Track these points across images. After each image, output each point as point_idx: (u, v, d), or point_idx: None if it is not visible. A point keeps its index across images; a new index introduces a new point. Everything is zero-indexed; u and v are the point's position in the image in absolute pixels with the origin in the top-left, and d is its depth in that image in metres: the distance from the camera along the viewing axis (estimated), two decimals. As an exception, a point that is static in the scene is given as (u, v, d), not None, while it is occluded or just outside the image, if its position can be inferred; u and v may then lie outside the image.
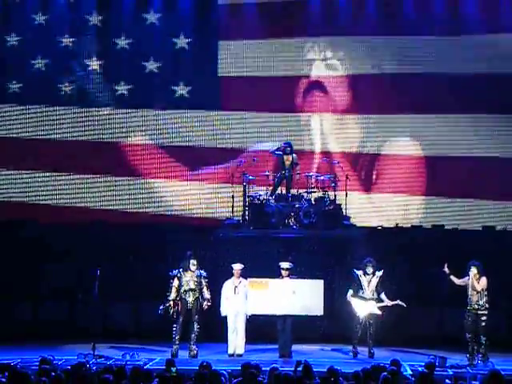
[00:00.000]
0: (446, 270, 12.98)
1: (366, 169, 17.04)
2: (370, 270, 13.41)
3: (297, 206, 15.40)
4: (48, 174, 17.13)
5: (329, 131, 17.21)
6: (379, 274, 13.43)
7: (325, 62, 17.21)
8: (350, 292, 13.45)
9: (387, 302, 13.31)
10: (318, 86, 17.24)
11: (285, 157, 15.80)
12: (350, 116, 17.13)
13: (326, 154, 17.01)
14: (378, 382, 8.62)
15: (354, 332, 13.42)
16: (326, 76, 17.25)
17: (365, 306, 13.34)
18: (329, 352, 13.96)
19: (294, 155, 15.84)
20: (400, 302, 13.26)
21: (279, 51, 17.11)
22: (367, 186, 17.02)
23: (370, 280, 13.42)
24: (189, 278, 13.33)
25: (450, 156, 16.72)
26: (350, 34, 16.99)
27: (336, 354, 13.75)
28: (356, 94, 17.07)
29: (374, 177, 17.07)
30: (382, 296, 13.37)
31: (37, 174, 17.16)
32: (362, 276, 13.45)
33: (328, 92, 17.20)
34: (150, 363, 12.23)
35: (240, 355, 13.37)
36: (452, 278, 13.00)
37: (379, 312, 13.32)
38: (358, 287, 13.43)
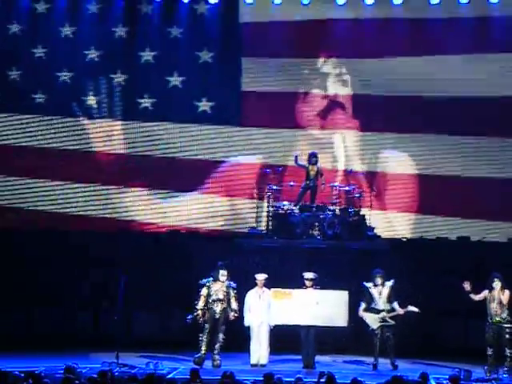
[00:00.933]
0: (467, 286, 12.88)
1: (379, 186, 16.89)
2: (378, 280, 13.39)
3: (321, 216, 15.39)
4: (75, 184, 17.19)
5: (349, 148, 17.16)
6: (389, 283, 13.40)
7: (339, 78, 17.16)
8: (363, 306, 13.41)
9: (399, 311, 13.27)
10: (336, 103, 17.21)
11: (310, 167, 15.81)
12: (367, 133, 17.04)
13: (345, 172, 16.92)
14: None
15: (373, 344, 13.36)
16: (342, 93, 17.21)
17: (376, 318, 13.28)
18: (351, 364, 13.91)
19: (318, 165, 15.85)
20: (411, 308, 13.22)
21: (300, 69, 17.10)
22: (381, 202, 16.87)
23: (380, 291, 13.38)
24: (218, 288, 13.38)
25: (452, 175, 16.57)
26: (374, 57, 16.91)
27: (358, 366, 13.70)
28: (372, 112, 16.99)
29: (386, 194, 16.94)
30: (395, 305, 13.33)
31: (66, 185, 17.21)
32: (372, 288, 13.43)
33: (345, 109, 17.16)
34: (174, 372, 12.26)
35: (263, 365, 13.36)
36: (472, 296, 12.91)
37: (392, 322, 13.25)
38: (370, 299, 13.39)
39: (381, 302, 13.37)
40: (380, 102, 16.82)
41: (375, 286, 13.43)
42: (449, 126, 16.57)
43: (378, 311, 13.35)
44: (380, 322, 13.31)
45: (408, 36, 16.82)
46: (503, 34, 16.51)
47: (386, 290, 13.38)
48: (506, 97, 16.37)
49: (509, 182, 16.35)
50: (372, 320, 13.34)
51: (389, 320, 13.28)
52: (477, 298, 12.90)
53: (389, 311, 13.32)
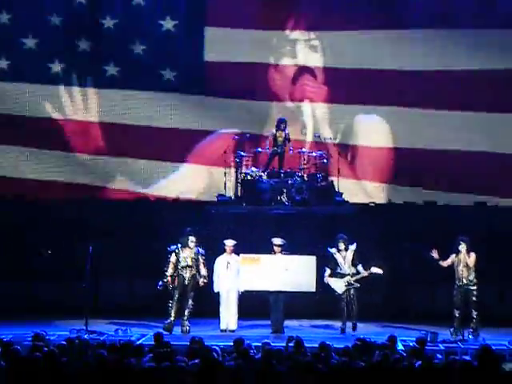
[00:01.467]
0: (435, 255, 13.02)
1: (347, 156, 16.93)
2: (341, 245, 13.52)
3: (289, 182, 15.40)
4: (36, 149, 17.03)
5: (317, 119, 17.13)
6: (352, 247, 13.52)
7: (309, 43, 17.11)
8: (328, 272, 13.50)
9: (363, 273, 13.41)
10: (304, 73, 17.16)
11: (277, 133, 15.78)
12: (334, 105, 17.03)
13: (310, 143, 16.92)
14: (369, 357, 8.71)
15: (340, 309, 13.47)
16: (310, 58, 17.16)
17: (341, 283, 13.39)
18: (320, 328, 14.03)
19: (286, 132, 15.83)
20: (375, 270, 13.37)
21: (266, 39, 17.01)
22: (352, 172, 16.93)
23: (344, 256, 13.49)
24: (187, 255, 13.39)
25: (422, 148, 16.67)
26: (341, 29, 16.87)
27: (327, 331, 13.81)
28: (341, 85, 16.98)
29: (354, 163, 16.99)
30: (359, 268, 13.48)
31: (23, 149, 17.06)
32: (337, 253, 13.54)
33: (315, 79, 17.12)
34: (143, 338, 12.28)
35: (233, 331, 13.43)
36: (440, 263, 13.06)
37: (357, 284, 13.38)
38: (335, 264, 13.49)
39: (346, 267, 13.49)
40: (348, 74, 16.80)
41: (339, 251, 13.52)
42: (419, 99, 16.63)
43: (342, 275, 13.45)
44: (346, 285, 13.43)
45: (378, 9, 16.80)
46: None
47: (349, 254, 13.51)
48: (466, 71, 16.44)
49: (475, 153, 16.43)
50: (337, 285, 13.45)
51: (353, 283, 13.40)
52: (445, 264, 13.05)
53: (353, 274, 13.44)
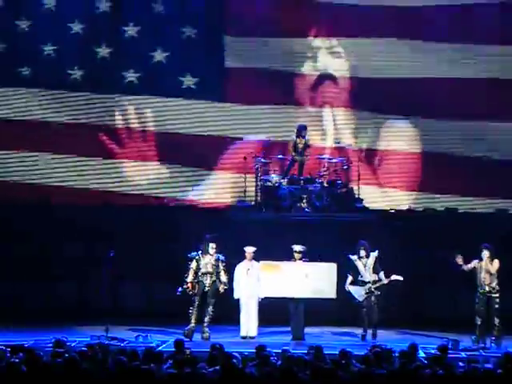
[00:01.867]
0: (460, 261, 12.93)
1: (369, 162, 16.92)
2: (362, 253, 13.43)
3: (309, 188, 15.38)
4: (53, 155, 17.13)
5: (337, 126, 17.13)
6: (374, 254, 13.45)
7: (330, 50, 17.13)
8: (349, 279, 13.43)
9: (384, 281, 13.33)
10: (326, 79, 17.18)
11: (298, 140, 15.78)
12: (357, 112, 17.04)
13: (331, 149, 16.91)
14: (389, 364, 8.66)
15: (361, 317, 13.43)
16: (330, 65, 17.16)
17: (362, 291, 13.32)
18: (340, 335, 13.95)
19: (306, 138, 15.82)
20: (395, 277, 13.29)
21: (286, 46, 17.03)
22: (376, 179, 16.92)
23: (365, 263, 13.41)
24: (207, 261, 13.40)
25: (442, 152, 16.64)
26: (359, 37, 16.88)
27: (347, 338, 13.75)
28: (359, 91, 16.97)
29: (377, 170, 16.97)
30: (381, 275, 13.39)
31: (39, 155, 17.16)
32: (357, 260, 13.47)
33: (336, 86, 17.13)
34: (163, 345, 12.28)
35: (252, 337, 13.41)
36: (463, 267, 12.97)
37: (378, 292, 13.32)
38: (356, 272, 13.42)
39: (367, 274, 13.41)
40: (369, 82, 16.81)
41: (360, 258, 13.46)
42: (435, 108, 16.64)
43: (364, 283, 13.38)
44: (366, 293, 13.35)
45: (398, 19, 16.78)
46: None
47: (370, 261, 13.43)
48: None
49: (495, 160, 16.42)
50: (358, 292, 13.37)
51: (374, 290, 13.33)
52: (467, 267, 12.96)
53: (375, 282, 13.36)
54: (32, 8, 17.24)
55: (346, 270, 13.55)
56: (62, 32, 17.15)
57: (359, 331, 13.56)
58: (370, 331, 13.34)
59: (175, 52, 17.18)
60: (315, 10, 17.13)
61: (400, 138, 17.05)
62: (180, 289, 13.38)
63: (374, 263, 13.43)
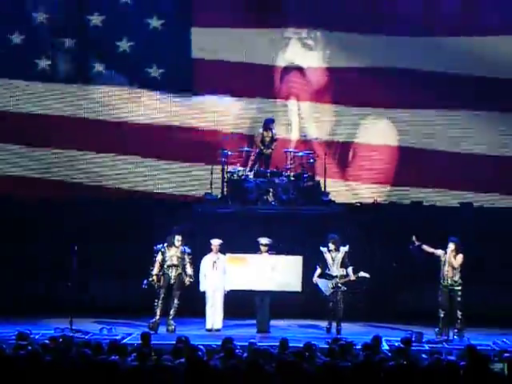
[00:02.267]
0: (415, 241, 13.04)
1: (338, 156, 17.01)
2: (331, 246, 13.42)
3: (276, 181, 15.40)
4: (25, 147, 17.00)
5: (304, 117, 17.18)
6: (344, 249, 13.44)
7: (301, 42, 17.15)
8: (318, 271, 13.44)
9: (351, 276, 13.34)
10: (294, 71, 17.20)
11: (265, 133, 15.78)
12: (324, 105, 17.09)
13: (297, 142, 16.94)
14: (353, 357, 8.72)
15: (327, 310, 13.44)
16: (301, 57, 17.18)
17: (329, 284, 13.35)
18: (306, 328, 13.99)
19: (273, 131, 15.83)
20: (362, 274, 13.33)
21: (254, 38, 17.02)
22: (340, 171, 17.00)
23: (333, 257, 13.43)
24: (173, 254, 13.36)
25: (423, 149, 16.77)
26: (328, 29, 16.92)
27: (312, 330, 13.79)
28: (332, 83, 17.03)
29: (346, 164, 17.05)
30: (349, 270, 13.39)
31: (13, 147, 17.01)
32: (327, 253, 13.47)
33: (304, 78, 17.16)
34: (128, 338, 12.24)
35: (218, 330, 13.42)
36: (424, 246, 13.09)
37: (344, 288, 13.34)
38: (324, 265, 13.44)
39: (334, 268, 13.41)
40: (338, 73, 16.87)
41: (329, 251, 13.48)
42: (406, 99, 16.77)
43: (331, 277, 13.40)
44: (332, 288, 13.38)
45: (370, 10, 16.86)
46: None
47: (339, 256, 13.44)
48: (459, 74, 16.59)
49: (465, 155, 16.59)
50: (325, 286, 13.41)
51: (340, 286, 13.35)
52: (430, 249, 13.06)
53: (342, 277, 13.38)
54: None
55: (316, 261, 13.55)
56: (27, 21, 16.98)
57: (324, 324, 13.60)
58: (334, 325, 13.38)
59: (140, 42, 17.08)
60: (282, 1, 17.11)
61: (375, 131, 17.11)
62: (145, 281, 13.34)
63: (343, 258, 13.43)
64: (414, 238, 13.09)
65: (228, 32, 16.98)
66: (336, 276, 13.37)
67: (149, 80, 17.05)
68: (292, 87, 17.20)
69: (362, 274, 13.34)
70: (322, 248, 13.52)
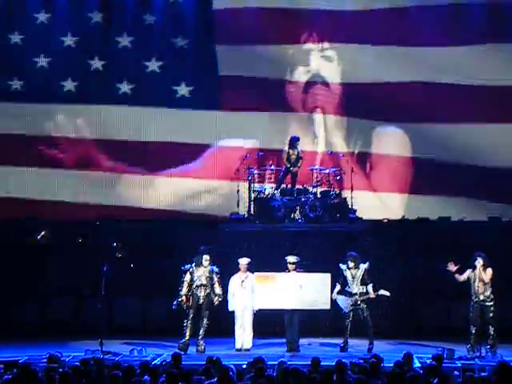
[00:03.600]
0: (451, 267, 12.91)
1: (364, 168, 17.03)
2: (351, 264, 13.32)
3: (302, 199, 15.41)
4: (50, 170, 17.14)
5: (329, 131, 17.22)
6: (364, 266, 13.34)
7: (322, 53, 17.24)
8: (337, 288, 13.36)
9: (371, 294, 13.23)
10: (318, 84, 17.26)
11: (290, 151, 15.80)
12: (347, 118, 17.14)
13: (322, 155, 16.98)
14: (382, 375, 8.65)
15: (344, 327, 13.30)
16: (322, 70, 17.23)
17: (348, 302, 13.26)
18: (335, 347, 13.78)
19: (299, 149, 15.86)
20: (382, 292, 13.19)
21: (276, 53, 17.11)
22: (369, 184, 17.02)
23: (353, 274, 13.33)
24: (201, 274, 13.35)
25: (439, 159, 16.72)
26: (351, 42, 16.99)
27: (329, 348, 13.60)
28: (351, 97, 17.07)
29: (372, 175, 17.07)
30: (369, 288, 13.27)
31: (34, 170, 17.15)
32: (347, 270, 13.37)
33: (328, 91, 17.22)
34: (158, 359, 12.23)
35: (247, 350, 13.38)
36: (457, 276, 12.95)
37: (364, 305, 13.23)
38: (344, 282, 13.37)
39: (354, 285, 13.31)
40: (363, 89, 16.92)
41: (349, 268, 13.39)
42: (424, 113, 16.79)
43: (350, 294, 13.31)
44: (352, 305, 13.28)
45: (391, 24, 16.88)
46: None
47: (359, 273, 13.34)
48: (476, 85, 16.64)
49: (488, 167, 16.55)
50: (344, 303, 13.32)
51: (360, 303, 13.24)
52: (461, 278, 12.93)
53: (361, 294, 13.27)
54: (26, 22, 17.24)
55: (336, 278, 13.49)
56: (54, 44, 17.18)
57: (355, 342, 13.49)
58: (364, 342, 13.26)
59: (168, 62, 17.20)
60: (306, 17, 17.20)
61: (391, 143, 17.08)
62: (175, 302, 13.33)
63: (363, 275, 13.34)
64: (451, 265, 12.92)
65: (251, 48, 17.07)
66: (356, 293, 13.27)
67: (177, 98, 17.14)
68: (316, 101, 17.27)
69: (382, 291, 13.21)
70: (341, 266, 13.45)
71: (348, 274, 13.36)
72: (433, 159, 16.80)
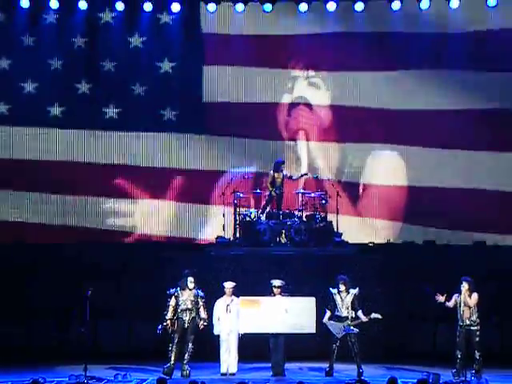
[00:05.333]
0: (440, 299, 12.89)
1: (350, 193, 17.10)
2: (342, 287, 13.28)
3: (288, 223, 15.42)
4: (36, 193, 17.10)
5: (317, 156, 17.30)
6: (354, 291, 13.29)
7: (308, 80, 17.34)
8: (328, 314, 13.32)
9: (362, 319, 13.18)
10: (302, 112, 17.36)
11: (276, 174, 15.84)
12: (332, 143, 17.24)
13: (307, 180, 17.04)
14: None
15: (330, 351, 13.27)
16: (309, 96, 17.33)
17: (340, 326, 13.23)
18: (320, 371, 13.72)
19: (284, 173, 15.90)
20: (374, 315, 13.14)
21: (264, 79, 17.21)
22: (353, 208, 17.08)
23: (343, 298, 13.30)
24: (186, 297, 13.30)
25: (431, 187, 16.82)
26: (336, 70, 17.10)
27: (316, 373, 13.57)
28: (338, 122, 17.17)
29: (359, 200, 17.13)
30: (359, 313, 13.20)
31: (21, 194, 17.11)
32: (337, 294, 13.32)
33: (312, 118, 17.32)
34: (143, 383, 12.17)
35: (233, 374, 13.31)
36: (446, 304, 12.92)
37: (356, 330, 13.21)
38: (334, 306, 13.34)
39: (343, 309, 13.28)
40: (344, 114, 17.05)
41: (339, 292, 13.37)
42: (414, 137, 16.90)
43: (340, 319, 13.27)
44: (343, 330, 13.24)
45: (371, 49, 17.01)
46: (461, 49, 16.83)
47: (349, 298, 13.30)
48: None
49: (475, 191, 16.66)
50: (336, 328, 13.27)
51: (352, 328, 13.22)
52: (450, 304, 12.89)
53: (352, 319, 13.26)
54: (11, 45, 17.27)
55: (325, 303, 13.46)
56: (40, 68, 17.17)
57: (340, 366, 13.46)
58: (354, 367, 13.21)
59: (154, 86, 17.23)
60: (293, 42, 17.29)
61: (384, 168, 17.17)
62: (160, 326, 13.26)
63: (353, 300, 13.32)
64: (439, 296, 12.89)
65: (238, 72, 17.14)
66: (346, 317, 13.24)
67: (162, 122, 17.17)
68: (300, 124, 17.37)
69: (374, 315, 13.17)
70: (331, 290, 13.42)
71: (338, 298, 13.31)
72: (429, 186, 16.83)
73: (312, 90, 17.39)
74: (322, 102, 17.38)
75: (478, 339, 12.75)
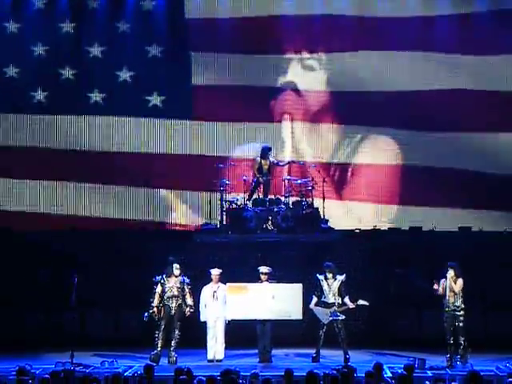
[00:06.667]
0: (437, 288, 12.92)
1: (338, 177, 17.11)
2: (329, 274, 13.30)
3: (275, 210, 15.42)
4: (26, 180, 17.04)
5: (302, 139, 17.28)
6: (341, 278, 13.31)
7: (301, 63, 17.32)
8: (314, 300, 13.33)
9: (349, 305, 13.21)
10: (291, 94, 17.32)
11: (263, 161, 15.81)
12: (322, 125, 17.21)
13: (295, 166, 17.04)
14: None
15: (316, 337, 13.29)
16: (300, 79, 17.31)
17: (327, 312, 13.27)
18: (307, 357, 13.75)
19: (271, 159, 15.88)
20: (361, 302, 13.17)
21: (252, 63, 17.16)
22: (340, 193, 17.10)
23: (330, 284, 13.32)
24: (172, 284, 13.30)
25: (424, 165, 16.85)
26: (324, 52, 17.09)
27: (304, 359, 13.56)
28: (331, 104, 17.14)
29: (346, 185, 17.15)
30: (346, 300, 13.22)
31: (13, 181, 17.05)
32: (324, 280, 13.33)
33: (302, 100, 17.29)
34: (130, 370, 12.17)
35: (220, 360, 13.34)
36: (438, 291, 12.94)
37: (342, 316, 13.25)
38: (321, 292, 13.36)
39: (330, 295, 13.28)
40: (330, 96, 17.03)
41: (326, 279, 13.40)
42: (396, 120, 16.90)
43: (327, 305, 13.31)
44: (329, 316, 13.28)
45: (357, 32, 16.98)
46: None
47: (335, 284, 13.33)
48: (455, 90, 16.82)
49: (462, 171, 16.66)
50: (322, 314, 13.31)
51: (339, 314, 13.25)
52: (441, 290, 12.94)
53: (339, 305, 13.30)
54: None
55: (312, 290, 13.48)
56: (24, 54, 17.07)
57: (327, 352, 13.50)
58: (341, 353, 13.26)
59: (141, 71, 17.17)
60: (285, 23, 17.22)
61: (377, 151, 17.17)
62: (146, 314, 13.25)
63: (339, 286, 13.33)
64: (435, 286, 12.92)
65: (227, 57, 17.09)
66: (333, 303, 13.27)
67: (149, 108, 17.10)
68: (287, 107, 17.32)
69: (361, 301, 13.19)
70: (318, 276, 13.42)
71: (324, 284, 13.33)
72: (423, 166, 16.84)
73: (304, 72, 17.36)
74: (313, 85, 17.34)
75: (462, 324, 12.82)
